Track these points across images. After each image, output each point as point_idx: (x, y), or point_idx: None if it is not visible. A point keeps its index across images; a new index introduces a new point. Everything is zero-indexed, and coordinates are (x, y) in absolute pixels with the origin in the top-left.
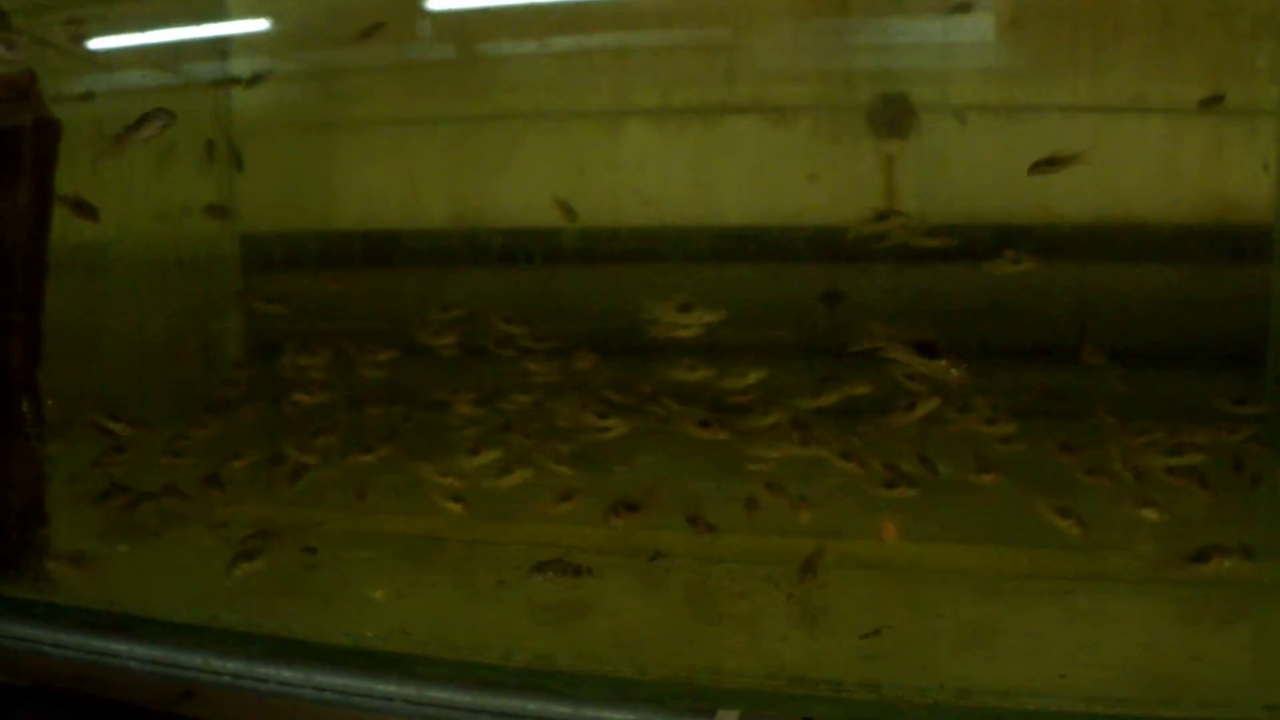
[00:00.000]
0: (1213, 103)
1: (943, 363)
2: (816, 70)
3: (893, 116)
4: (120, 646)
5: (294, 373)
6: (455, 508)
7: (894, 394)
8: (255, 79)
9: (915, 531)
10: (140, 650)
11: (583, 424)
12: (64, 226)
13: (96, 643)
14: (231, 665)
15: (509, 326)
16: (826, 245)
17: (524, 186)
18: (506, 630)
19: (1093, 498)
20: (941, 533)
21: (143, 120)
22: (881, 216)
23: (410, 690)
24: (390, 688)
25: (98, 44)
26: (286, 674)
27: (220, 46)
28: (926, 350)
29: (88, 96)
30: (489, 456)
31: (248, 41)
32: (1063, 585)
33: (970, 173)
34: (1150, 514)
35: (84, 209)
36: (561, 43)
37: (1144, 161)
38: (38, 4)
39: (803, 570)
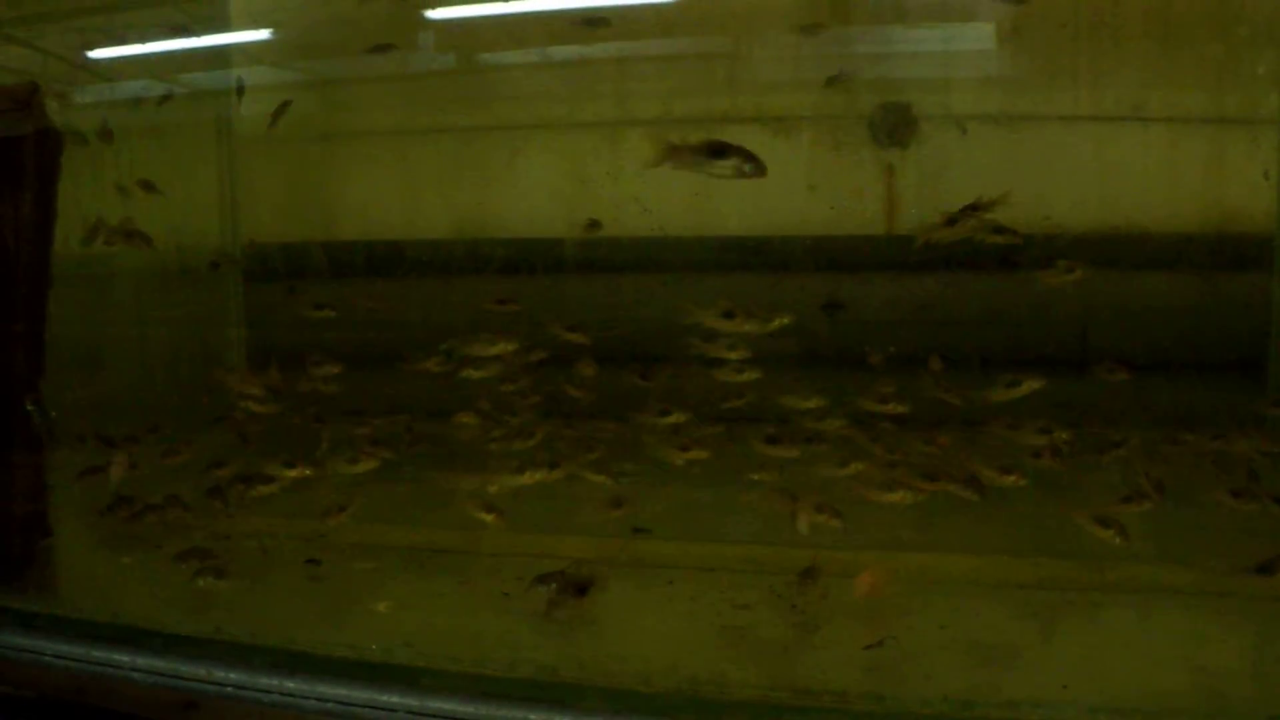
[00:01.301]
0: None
1: None
2: (817, 80)
3: (893, 126)
4: (123, 657)
5: (287, 384)
6: (489, 518)
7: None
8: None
9: (919, 541)
10: (143, 661)
11: (663, 456)
12: (66, 235)
13: (99, 654)
14: (234, 676)
15: (572, 335)
16: (827, 255)
17: (525, 196)
18: (510, 641)
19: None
20: (946, 542)
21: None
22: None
23: (413, 701)
24: (393, 699)
25: (100, 54)
26: (290, 685)
27: (222, 56)
28: None
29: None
30: (534, 476)
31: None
32: (1067, 596)
33: (971, 182)
34: None
35: (137, 237)
36: (562, 53)
37: (1145, 171)
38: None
39: (802, 578)
